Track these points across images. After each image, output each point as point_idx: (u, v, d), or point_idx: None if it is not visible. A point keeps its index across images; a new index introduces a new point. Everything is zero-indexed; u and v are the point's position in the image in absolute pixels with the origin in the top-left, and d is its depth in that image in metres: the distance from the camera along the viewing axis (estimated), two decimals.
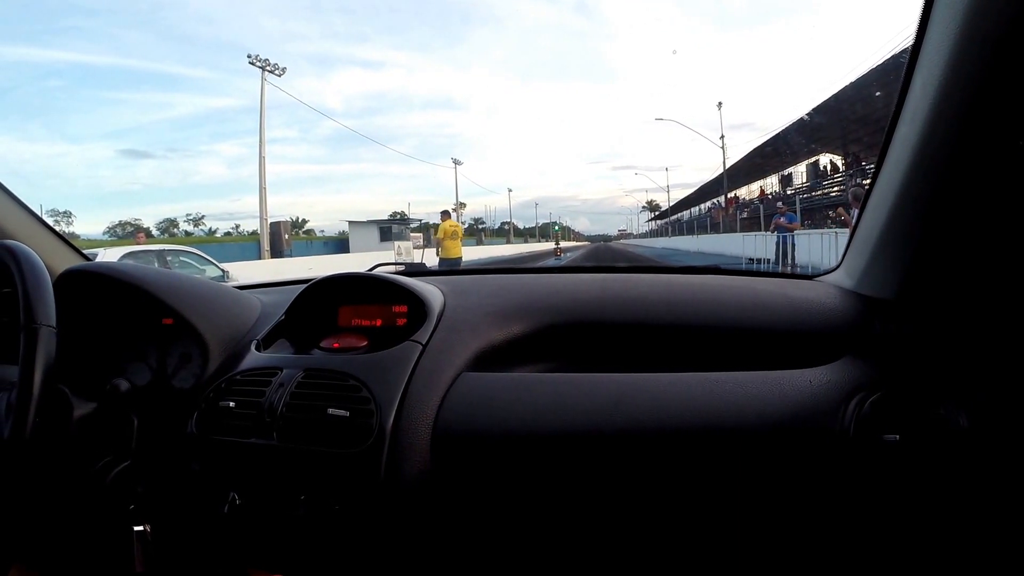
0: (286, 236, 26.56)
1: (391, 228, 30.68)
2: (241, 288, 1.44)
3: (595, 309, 1.11)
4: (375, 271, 1.25)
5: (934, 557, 0.86)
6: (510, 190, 69.59)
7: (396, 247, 23.51)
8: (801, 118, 23.63)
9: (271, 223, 24.73)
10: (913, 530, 0.85)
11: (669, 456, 0.86)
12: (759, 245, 16.74)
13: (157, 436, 1.03)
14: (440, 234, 10.43)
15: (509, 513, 0.93)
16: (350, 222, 31.32)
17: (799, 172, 30.51)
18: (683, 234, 46.17)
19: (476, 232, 65.12)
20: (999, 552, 0.84)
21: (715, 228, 36.23)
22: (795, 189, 29.47)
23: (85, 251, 1.40)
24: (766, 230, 15.27)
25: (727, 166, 31.88)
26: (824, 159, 28.14)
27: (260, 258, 22.21)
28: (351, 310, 1.17)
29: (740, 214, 31.31)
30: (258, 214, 23.29)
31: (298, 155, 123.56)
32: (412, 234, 34.10)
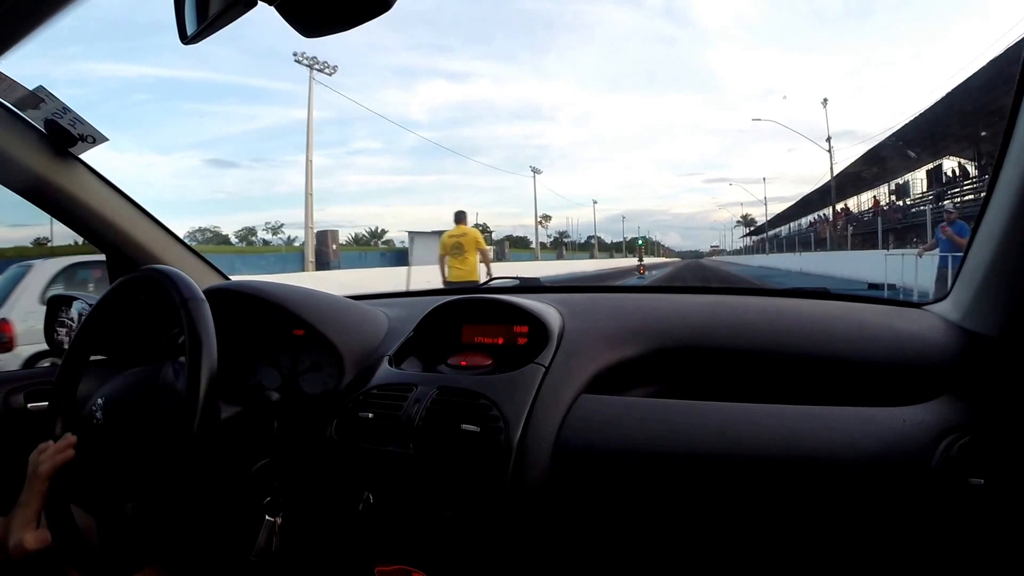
0: (334, 246, 25.38)
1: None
2: (357, 298, 1.50)
3: (704, 334, 1.14)
4: (495, 293, 1.43)
5: None
6: (595, 202, 67.08)
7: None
8: (920, 115, 20.43)
9: (317, 232, 23.75)
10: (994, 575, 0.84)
11: (765, 485, 0.88)
12: (880, 266, 14.17)
13: (294, 438, 1.10)
14: (441, 249, 7.46)
15: (618, 526, 0.96)
16: (410, 232, 29.93)
17: (916, 180, 26.89)
18: (782, 251, 42.22)
19: (558, 246, 63.25)
20: None
21: (820, 245, 32.70)
22: (914, 200, 26.00)
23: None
24: (885, 247, 12.33)
25: (834, 173, 28.66)
26: (950, 163, 24.24)
27: (304, 270, 21.36)
28: (474, 329, 1.23)
29: (848, 228, 27.97)
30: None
31: (382, 166, 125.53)
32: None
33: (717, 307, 1.26)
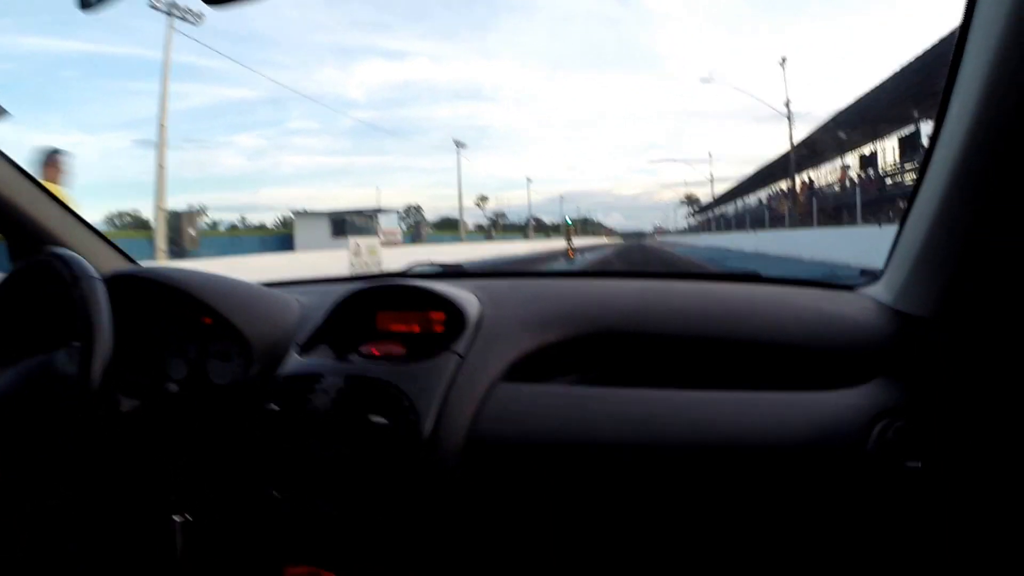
0: (191, 231, 20.18)
1: (344, 221, 24.31)
2: (271, 285, 1.42)
3: (630, 319, 1.12)
4: (413, 269, 1.46)
5: None
6: (529, 180, 62.63)
7: (352, 245, 18.44)
8: (890, 77, 17.33)
9: (170, 214, 18.77)
10: (932, 559, 0.86)
11: (692, 475, 0.88)
12: (856, 243, 11.92)
13: (198, 432, 1.09)
14: None
15: (535, 520, 0.95)
16: (295, 212, 24.95)
17: (887, 149, 23.34)
18: (730, 230, 38.72)
19: (488, 228, 59.08)
20: None
21: (777, 222, 28.93)
22: (888, 170, 22.38)
23: None
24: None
25: (793, 142, 24.74)
26: (928, 128, 20.67)
27: (155, 259, 16.36)
28: (389, 316, 1.19)
29: (812, 203, 23.99)
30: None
31: (320, 147, 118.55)
32: (387, 228, 28.37)
33: (644, 292, 1.26)
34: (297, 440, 0.98)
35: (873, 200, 20.42)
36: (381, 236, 26.56)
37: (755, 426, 0.88)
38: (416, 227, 36.37)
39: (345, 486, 0.95)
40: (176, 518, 1.03)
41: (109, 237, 1.38)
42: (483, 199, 75.39)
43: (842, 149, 25.91)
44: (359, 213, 27.39)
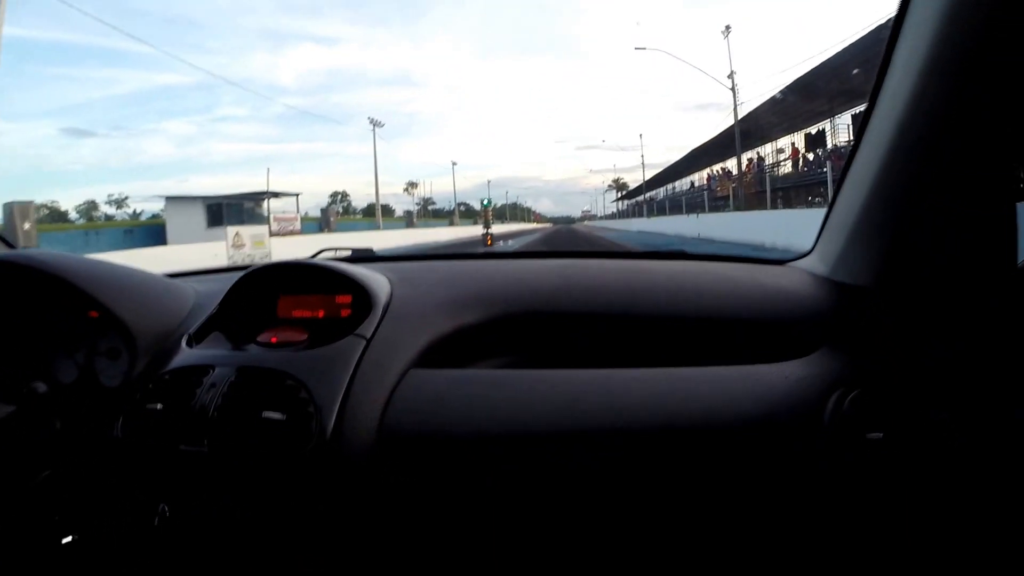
0: (26, 226, 15.52)
1: (221, 206, 20.01)
2: (173, 276, 1.32)
3: (553, 298, 1.07)
4: (317, 258, 1.22)
5: (919, 556, 0.85)
6: (454, 163, 59.41)
7: (230, 236, 15.58)
8: (840, 52, 15.60)
9: (2, 206, 14.86)
10: (897, 529, 0.84)
11: (631, 459, 0.83)
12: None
13: (83, 441, 0.97)
14: None
15: (459, 520, 0.89)
16: (167, 198, 20.30)
17: (839, 127, 21.27)
18: (663, 214, 36.35)
19: (407, 215, 54.67)
20: (985, 551, 0.84)
21: (717, 206, 26.56)
22: (843, 146, 20.24)
23: None
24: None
25: (737, 116, 22.21)
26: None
27: None
28: (291, 300, 1.09)
29: (763, 184, 21.71)
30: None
31: (249, 134, 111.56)
32: (283, 215, 24.10)
33: (567, 270, 1.20)
34: (182, 443, 0.87)
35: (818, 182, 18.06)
36: (274, 224, 22.72)
37: (699, 402, 0.84)
38: (324, 213, 32.07)
39: (237, 493, 0.85)
40: (64, 540, 0.92)
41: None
42: (412, 185, 74.45)
43: (790, 128, 23.77)
44: (244, 197, 23.06)
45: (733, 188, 24.15)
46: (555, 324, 1.03)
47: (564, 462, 0.84)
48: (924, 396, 0.83)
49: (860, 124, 0.87)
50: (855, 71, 16.12)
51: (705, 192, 29.36)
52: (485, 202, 21.63)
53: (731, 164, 29.06)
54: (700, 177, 38.49)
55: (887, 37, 0.78)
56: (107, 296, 1.01)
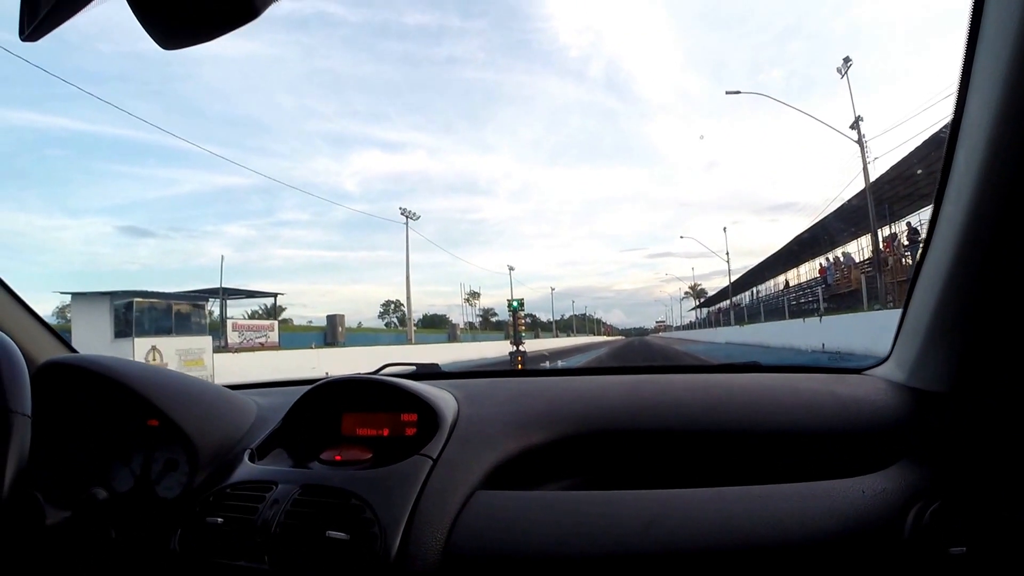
0: None
1: (130, 309, 14.39)
2: (234, 387, 1.32)
3: (623, 416, 1.05)
4: (382, 374, 1.23)
5: None
6: (511, 268, 54.90)
7: (139, 350, 11.93)
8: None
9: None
10: None
11: None
12: None
13: (137, 551, 0.96)
14: None
15: None
16: (73, 294, 15.68)
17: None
18: (757, 319, 29.92)
19: (450, 328, 50.71)
20: None
21: (836, 304, 20.21)
22: None
23: None
24: None
25: (868, 177, 16.31)
26: None
27: None
28: (356, 418, 1.10)
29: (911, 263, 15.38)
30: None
31: (310, 239, 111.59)
32: (247, 323, 19.82)
33: (637, 386, 1.17)
34: (242, 559, 0.86)
35: None
36: (233, 334, 18.26)
37: (775, 522, 0.80)
38: (330, 323, 27.88)
39: None
40: None
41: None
42: (474, 295, 70.72)
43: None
44: (182, 296, 17.78)
45: (865, 277, 17.66)
46: (624, 443, 1.01)
47: None
48: (1009, 508, 0.78)
49: (929, 222, 0.84)
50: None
51: (819, 288, 22.77)
52: (513, 304, 15.69)
53: (852, 250, 22.93)
54: (796, 276, 32.42)
55: (947, 132, 0.75)
56: (169, 406, 1.01)
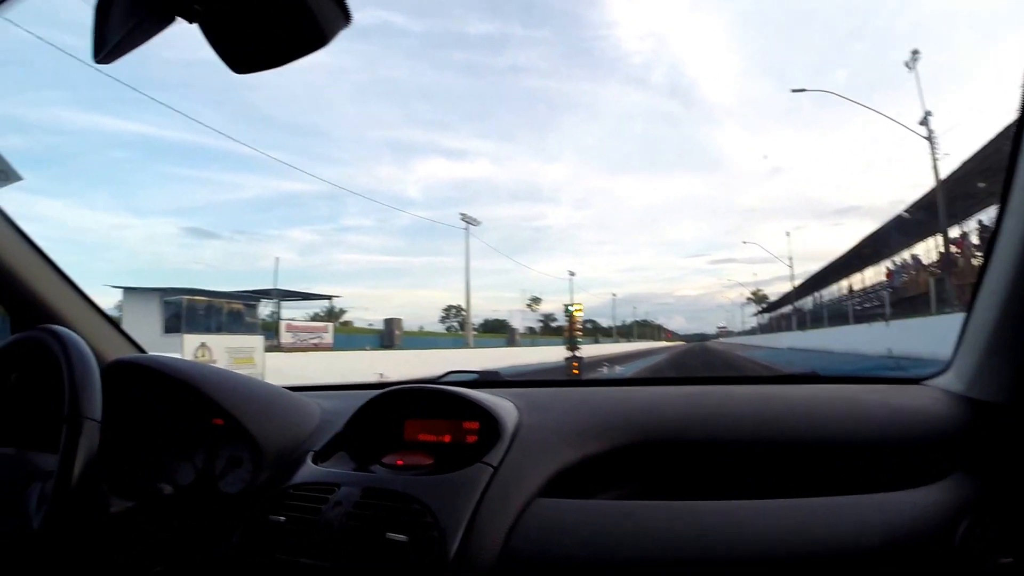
0: None
1: (180, 306, 15.42)
2: (296, 389, 1.35)
3: (680, 427, 1.06)
4: (445, 379, 1.36)
5: None
6: (572, 274, 55.22)
7: (188, 347, 12.10)
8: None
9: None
10: None
11: None
12: None
13: (199, 544, 1.00)
14: None
15: None
16: (125, 289, 16.51)
17: None
18: (820, 326, 29.08)
19: (511, 332, 50.91)
20: None
21: (903, 308, 19.38)
22: None
23: None
24: None
25: (939, 174, 15.75)
26: None
27: None
28: (418, 424, 1.12)
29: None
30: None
31: (374, 245, 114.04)
32: (301, 324, 20.58)
33: (694, 397, 1.19)
34: (304, 556, 0.88)
35: None
36: (287, 335, 18.94)
37: (827, 535, 0.81)
38: (387, 325, 28.69)
39: None
40: None
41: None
42: (535, 301, 71.07)
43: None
44: (234, 296, 18.38)
45: (934, 279, 17.11)
46: (681, 454, 1.02)
47: None
48: None
49: (994, 226, 0.82)
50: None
51: (886, 292, 22.02)
52: (569, 308, 15.34)
53: (919, 252, 22.00)
54: (861, 280, 31.32)
55: (1011, 139, 0.73)
56: (234, 405, 1.05)
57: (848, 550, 0.79)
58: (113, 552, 0.91)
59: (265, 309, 21.44)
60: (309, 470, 1.01)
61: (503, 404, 1.10)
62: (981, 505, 0.81)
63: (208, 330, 15.18)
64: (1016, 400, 0.86)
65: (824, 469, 0.95)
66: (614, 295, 79.16)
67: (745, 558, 0.80)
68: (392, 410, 1.12)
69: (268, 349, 15.81)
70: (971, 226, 17.90)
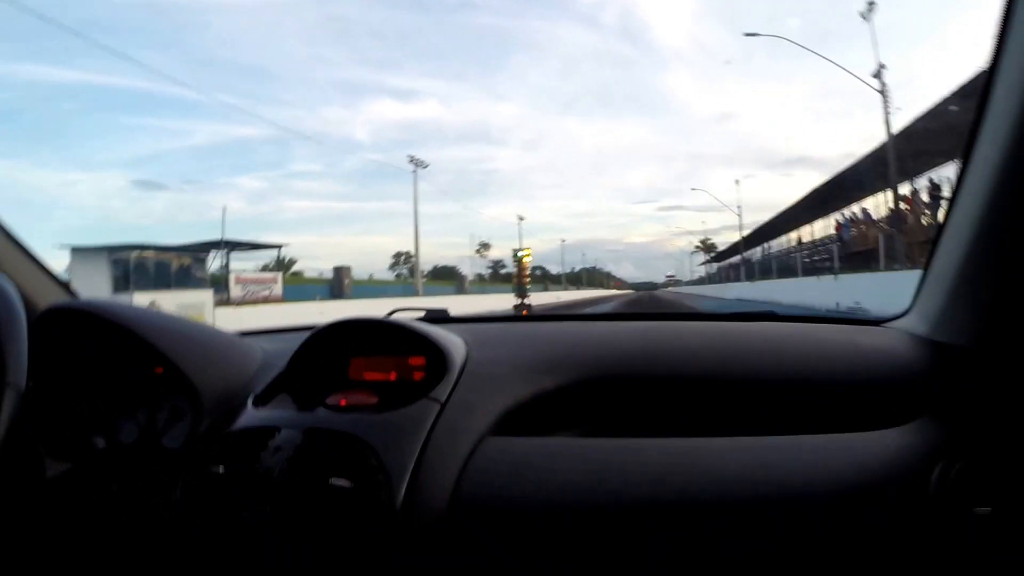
0: None
1: (128, 263, 14.92)
2: (244, 334, 1.28)
3: (637, 362, 1.03)
4: (391, 317, 1.23)
5: None
6: (521, 218, 54.98)
7: (148, 306, 9.44)
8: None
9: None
10: None
11: (720, 533, 0.78)
12: None
13: (141, 504, 0.93)
14: None
15: None
16: (72, 248, 15.76)
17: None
18: (768, 277, 29.64)
19: (456, 277, 50.98)
20: None
21: (851, 263, 19.79)
22: None
23: None
24: None
25: (891, 128, 15.65)
26: None
27: None
28: (363, 362, 1.07)
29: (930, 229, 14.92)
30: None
31: (323, 191, 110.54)
32: (251, 276, 19.80)
33: (650, 332, 1.17)
34: (246, 511, 0.83)
35: None
36: (236, 288, 18.11)
37: (794, 473, 0.80)
38: (336, 275, 27.75)
39: (300, 564, 0.81)
40: None
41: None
42: (484, 247, 69.57)
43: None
44: (183, 249, 17.90)
45: (883, 235, 17.29)
46: (638, 390, 1.00)
47: (647, 536, 0.78)
48: None
49: (959, 168, 0.82)
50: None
51: (835, 246, 22.34)
52: (517, 253, 14.87)
53: (869, 205, 22.41)
54: (810, 232, 31.89)
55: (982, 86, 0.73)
56: (173, 350, 0.99)
57: (817, 489, 0.77)
58: (51, 519, 0.87)
59: (215, 263, 20.74)
60: (249, 415, 0.96)
61: (450, 338, 1.06)
62: (951, 451, 0.79)
63: (157, 287, 14.64)
64: (981, 343, 0.84)
65: (786, 408, 0.93)
66: (563, 241, 79.30)
67: (708, 495, 0.78)
68: (336, 348, 1.06)
69: (218, 304, 15.11)
70: (922, 184, 18.12)
